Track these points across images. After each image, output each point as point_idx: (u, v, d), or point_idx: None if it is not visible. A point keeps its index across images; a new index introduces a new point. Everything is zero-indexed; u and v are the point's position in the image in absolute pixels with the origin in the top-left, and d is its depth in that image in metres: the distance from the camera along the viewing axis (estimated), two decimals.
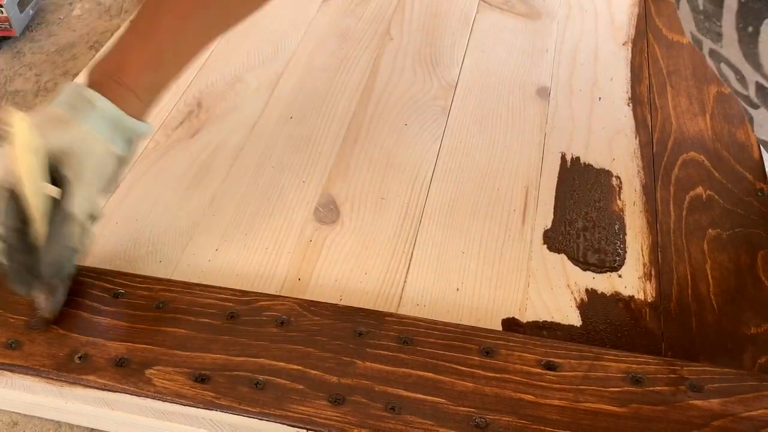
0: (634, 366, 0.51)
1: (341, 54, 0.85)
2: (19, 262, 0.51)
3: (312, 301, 0.57)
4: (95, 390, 0.53)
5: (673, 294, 0.58)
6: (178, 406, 0.52)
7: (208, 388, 0.51)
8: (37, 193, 0.49)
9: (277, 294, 0.58)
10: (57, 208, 0.50)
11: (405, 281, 0.61)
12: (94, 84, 0.52)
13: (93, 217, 0.53)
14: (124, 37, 0.55)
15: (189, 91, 0.81)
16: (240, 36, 0.89)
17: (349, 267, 0.62)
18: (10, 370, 0.53)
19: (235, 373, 0.52)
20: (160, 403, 0.52)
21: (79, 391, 0.53)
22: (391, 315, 0.56)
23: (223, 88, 0.81)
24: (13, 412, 0.58)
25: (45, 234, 0.50)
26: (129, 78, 0.52)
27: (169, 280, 0.59)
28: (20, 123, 0.49)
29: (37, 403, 0.57)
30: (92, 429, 0.58)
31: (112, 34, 0.93)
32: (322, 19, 0.91)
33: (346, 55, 0.85)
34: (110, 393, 0.53)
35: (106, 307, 0.57)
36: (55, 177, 0.51)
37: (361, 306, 0.57)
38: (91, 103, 0.51)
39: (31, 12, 1.02)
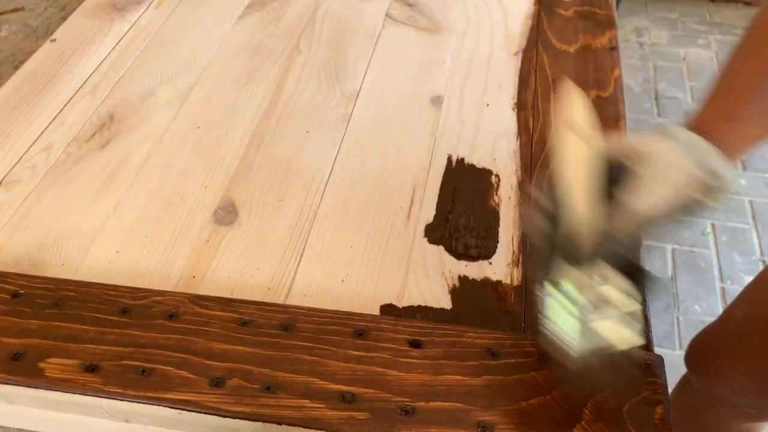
0: (492, 342, 0.56)
1: (252, 67, 0.90)
2: (553, 246, 0.48)
3: (200, 295, 0.60)
4: None
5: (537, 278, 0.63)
6: (69, 395, 0.55)
7: (97, 376, 0.55)
8: (588, 183, 0.47)
9: (170, 290, 0.62)
10: (614, 203, 0.48)
11: (295, 275, 0.65)
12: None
13: (645, 222, 0.48)
14: (709, 93, 0.54)
15: (103, 106, 0.85)
16: (156, 52, 0.93)
17: (242, 264, 0.66)
18: None
19: (123, 362, 0.56)
20: (52, 393, 0.55)
21: None
22: (274, 305, 0.60)
23: (136, 102, 0.85)
24: None
25: (583, 222, 0.47)
26: (710, 128, 0.51)
27: (67, 280, 0.62)
28: (578, 102, 0.48)
29: None
30: None
31: None
32: (236, 35, 0.96)
33: (256, 68, 0.90)
34: (5, 386, 0.56)
35: (5, 306, 0.60)
36: (617, 174, 0.48)
37: (250, 299, 0.61)
38: (675, 135, 0.49)
39: None
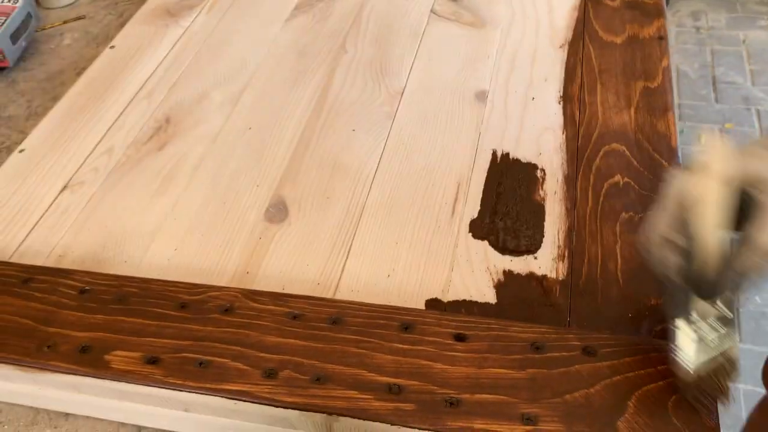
0: (536, 336, 0.57)
1: (299, 68, 0.92)
2: (686, 282, 0.50)
3: (253, 290, 0.63)
4: (62, 374, 0.60)
5: (583, 272, 0.63)
6: (133, 385, 0.58)
7: (158, 368, 0.58)
8: (718, 219, 0.48)
9: (225, 286, 0.65)
10: (742, 233, 0.48)
11: (342, 270, 0.67)
12: None
13: None
14: None
15: (159, 109, 0.88)
16: (208, 56, 0.96)
17: (293, 260, 0.68)
18: None
19: (182, 355, 0.59)
20: (117, 384, 0.59)
21: (49, 376, 0.60)
22: (323, 299, 0.62)
23: (190, 105, 0.89)
24: None
25: (715, 258, 0.49)
26: None
27: (129, 277, 0.66)
28: (717, 150, 0.49)
29: (16, 391, 0.64)
30: (67, 413, 0.65)
31: None
32: (284, 37, 0.98)
33: (304, 69, 0.92)
34: (75, 377, 0.60)
35: (73, 302, 0.64)
36: (744, 202, 0.49)
37: (300, 293, 0.63)
38: None
39: (24, 44, 1.10)
